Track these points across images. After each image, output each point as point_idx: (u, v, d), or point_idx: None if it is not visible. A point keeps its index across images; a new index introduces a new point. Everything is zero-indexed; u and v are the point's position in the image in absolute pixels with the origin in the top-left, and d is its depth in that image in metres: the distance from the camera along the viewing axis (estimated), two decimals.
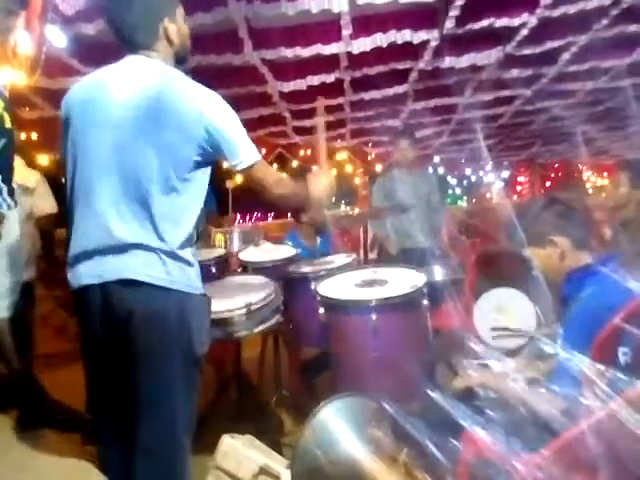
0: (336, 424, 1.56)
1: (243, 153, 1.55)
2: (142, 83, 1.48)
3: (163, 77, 1.50)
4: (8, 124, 2.42)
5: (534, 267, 1.75)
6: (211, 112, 1.48)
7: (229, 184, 7.33)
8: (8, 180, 2.41)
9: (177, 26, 1.58)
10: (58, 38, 2.86)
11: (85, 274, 1.48)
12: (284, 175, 1.94)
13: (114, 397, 1.57)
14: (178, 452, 1.52)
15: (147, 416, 1.49)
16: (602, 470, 0.87)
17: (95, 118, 1.49)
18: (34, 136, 4.72)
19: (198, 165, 1.51)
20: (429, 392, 1.38)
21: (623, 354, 1.41)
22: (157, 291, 1.45)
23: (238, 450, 1.83)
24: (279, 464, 1.81)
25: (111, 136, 1.47)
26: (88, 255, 1.47)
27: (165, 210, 1.46)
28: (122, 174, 1.46)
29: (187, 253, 1.52)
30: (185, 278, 1.51)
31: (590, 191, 10.80)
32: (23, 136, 4.57)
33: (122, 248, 1.44)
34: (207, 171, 1.59)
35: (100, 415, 1.64)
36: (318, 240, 3.85)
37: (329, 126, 5.79)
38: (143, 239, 1.45)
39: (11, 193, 2.43)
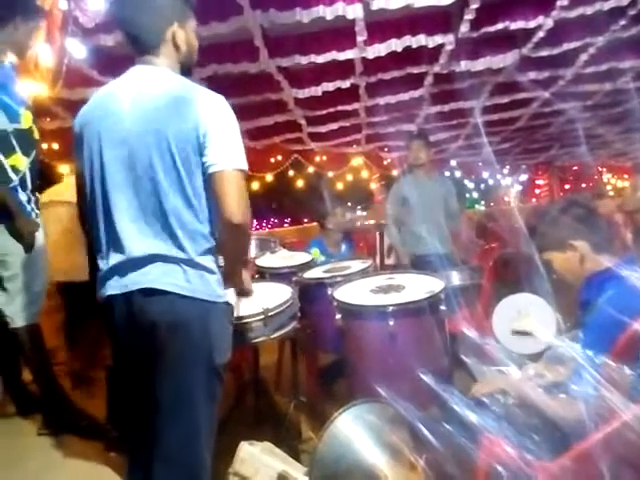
0: (354, 430, 1.56)
1: (224, 156, 1.45)
2: (147, 95, 1.49)
3: (167, 86, 1.50)
4: (36, 136, 2.49)
5: (551, 272, 1.73)
6: (208, 115, 1.46)
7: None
8: (35, 190, 2.48)
9: (186, 34, 1.58)
10: (78, 50, 2.92)
11: (110, 286, 1.51)
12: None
13: (140, 406, 1.59)
14: (200, 463, 1.52)
15: (169, 426, 1.49)
16: (618, 478, 0.86)
17: (106, 135, 1.51)
18: (55, 146, 4.81)
19: (205, 171, 1.49)
20: (447, 398, 1.37)
21: None
22: (178, 299, 1.46)
23: (256, 457, 1.83)
24: (297, 471, 1.81)
25: (122, 152, 1.49)
26: (113, 271, 1.51)
27: (182, 220, 1.47)
28: (137, 189, 1.48)
29: (208, 261, 1.52)
30: (206, 286, 1.50)
31: (611, 193, 10.63)
32: (45, 146, 4.66)
33: (143, 260, 1.47)
34: None
35: (127, 424, 1.66)
36: (343, 247, 3.90)
37: (344, 131, 5.81)
38: (163, 250, 1.47)
39: (37, 202, 2.50)
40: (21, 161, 2.32)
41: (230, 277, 1.64)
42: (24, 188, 2.36)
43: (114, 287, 1.50)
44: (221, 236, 1.54)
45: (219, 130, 1.46)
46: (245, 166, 1.49)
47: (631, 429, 0.92)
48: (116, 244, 1.50)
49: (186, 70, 1.63)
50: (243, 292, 1.87)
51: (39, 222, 2.45)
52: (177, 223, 1.47)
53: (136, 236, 1.48)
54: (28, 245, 2.37)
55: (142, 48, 1.57)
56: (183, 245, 1.47)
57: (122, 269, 1.49)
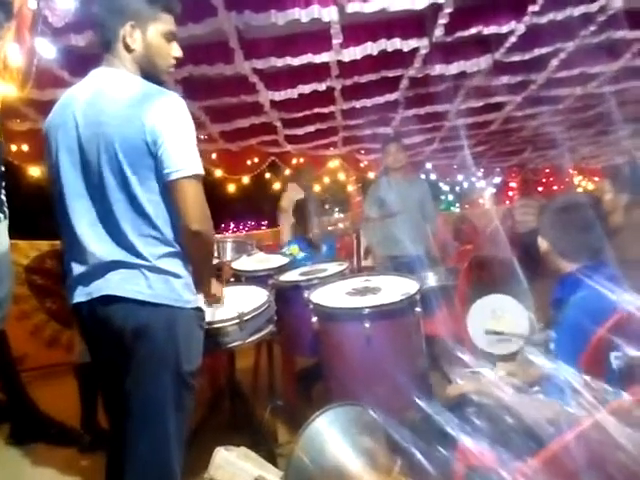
0: (330, 435, 1.55)
1: (177, 163, 1.41)
2: (99, 99, 1.47)
3: (120, 89, 1.48)
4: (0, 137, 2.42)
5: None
6: (160, 119, 1.42)
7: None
8: None
9: (143, 36, 1.53)
10: (48, 50, 2.86)
11: (76, 294, 1.50)
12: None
13: (113, 410, 1.60)
14: (168, 470, 1.49)
15: (137, 431, 1.48)
16: (591, 477, 0.87)
17: (63, 142, 1.49)
18: (25, 148, 4.70)
19: (160, 179, 1.45)
20: (419, 402, 1.38)
21: (615, 358, 1.42)
22: (140, 306, 1.44)
23: (232, 462, 1.81)
24: (274, 475, 1.80)
25: (75, 158, 1.48)
26: (80, 277, 1.49)
27: (135, 227, 1.45)
28: (91, 195, 1.47)
29: (171, 265, 1.49)
30: (171, 291, 1.47)
31: None
32: (14, 148, 4.55)
33: (104, 267, 1.45)
34: None
35: (112, 424, 1.65)
36: (324, 247, 3.89)
37: (321, 134, 5.81)
38: (122, 257, 1.45)
39: (0, 205, 2.42)
40: None
41: (198, 284, 1.62)
42: None
43: (79, 295, 1.49)
44: (183, 243, 1.52)
45: (172, 135, 1.42)
46: (200, 170, 1.46)
47: (594, 433, 0.94)
48: (78, 251, 1.48)
49: (152, 75, 1.57)
50: (213, 300, 1.83)
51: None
52: (131, 230, 1.44)
53: (95, 243, 1.46)
54: None
55: (103, 46, 1.55)
56: (140, 251, 1.45)
57: (86, 277, 1.48)
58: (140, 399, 1.47)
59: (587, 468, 0.86)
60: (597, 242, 1.67)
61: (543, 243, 1.76)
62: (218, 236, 5.83)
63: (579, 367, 1.35)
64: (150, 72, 1.57)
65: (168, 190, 1.44)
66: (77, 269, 1.49)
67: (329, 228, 4.20)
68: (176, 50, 1.61)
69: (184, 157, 1.43)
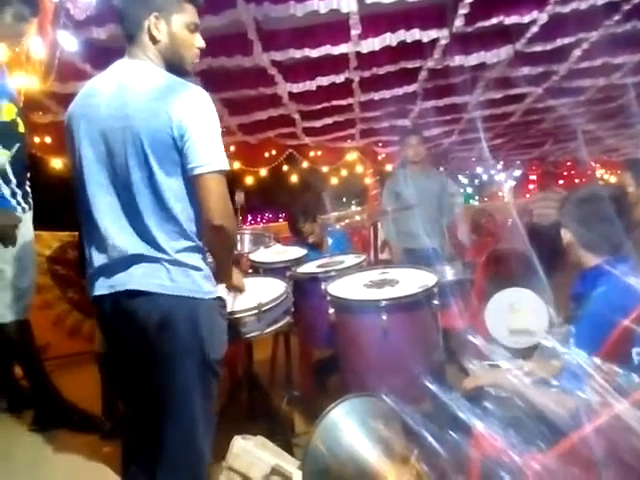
0: (346, 425, 1.56)
1: (203, 158, 1.43)
2: (125, 91, 1.47)
3: (145, 81, 1.47)
4: (22, 129, 2.46)
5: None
6: (186, 113, 1.42)
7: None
8: (22, 184, 2.45)
9: (169, 27, 1.53)
10: (70, 43, 2.89)
11: (97, 286, 1.52)
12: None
13: (137, 405, 1.62)
14: (199, 459, 1.53)
15: (166, 424, 1.50)
16: (607, 470, 0.87)
17: (87, 133, 1.49)
18: (48, 140, 4.77)
19: (185, 173, 1.47)
20: (438, 392, 1.38)
21: (637, 354, 1.40)
22: (163, 299, 1.46)
23: (250, 451, 1.84)
24: (290, 465, 1.82)
25: (100, 149, 1.48)
26: (101, 270, 1.51)
27: (158, 220, 1.46)
28: (115, 187, 1.48)
29: (191, 258, 1.51)
30: (192, 283, 1.49)
31: None
32: (37, 140, 4.63)
33: (127, 260, 1.47)
34: None
35: (130, 417, 1.67)
36: (330, 240, 3.84)
37: (339, 126, 5.79)
38: (144, 250, 1.46)
39: (25, 196, 2.47)
40: (0, 154, 2.29)
41: (220, 276, 1.65)
42: (6, 182, 2.33)
43: (101, 287, 1.50)
44: (205, 237, 1.54)
45: (198, 129, 1.43)
46: (226, 166, 1.47)
47: (615, 424, 0.93)
48: (100, 243, 1.50)
49: (176, 66, 1.57)
50: (234, 289, 1.87)
51: (22, 217, 2.42)
52: (154, 223, 1.46)
53: (118, 235, 1.47)
54: (7, 239, 2.34)
55: (127, 38, 1.55)
56: (161, 245, 1.46)
57: (107, 269, 1.49)
58: (168, 389, 1.49)
59: (607, 459, 0.85)
60: (621, 235, 1.64)
61: (567, 234, 1.72)
62: None
63: None
64: (175, 63, 1.57)
65: (193, 185, 1.46)
66: (99, 260, 1.50)
67: (346, 221, 4.16)
68: (199, 41, 1.62)
69: (210, 152, 1.44)
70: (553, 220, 5.44)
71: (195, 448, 1.52)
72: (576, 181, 11.59)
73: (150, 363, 1.50)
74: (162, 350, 1.47)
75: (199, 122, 1.43)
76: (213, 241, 1.53)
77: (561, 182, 11.61)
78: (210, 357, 1.52)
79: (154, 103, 1.43)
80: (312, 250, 3.49)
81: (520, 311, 2.86)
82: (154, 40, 1.53)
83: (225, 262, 1.68)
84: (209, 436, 1.56)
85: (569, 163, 11.58)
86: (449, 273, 3.13)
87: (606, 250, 1.64)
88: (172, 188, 1.46)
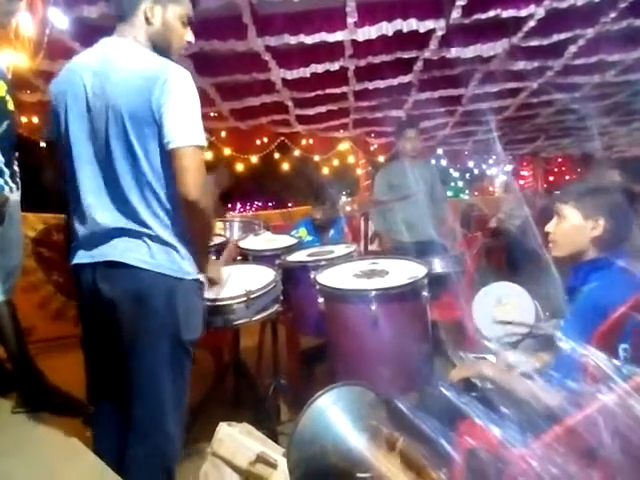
0: (333, 412, 1.56)
1: (179, 132, 1.44)
2: (108, 68, 1.49)
3: (129, 60, 1.49)
4: (11, 107, 2.41)
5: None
6: (166, 90, 1.43)
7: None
8: (10, 163, 2.40)
9: (163, 13, 1.56)
10: (61, 20, 2.84)
11: (79, 255, 1.54)
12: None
13: (108, 379, 1.62)
14: (166, 437, 1.54)
15: (135, 398, 1.52)
16: (601, 457, 0.87)
17: (73, 109, 1.51)
18: (35, 120, 4.69)
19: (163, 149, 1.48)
20: (427, 380, 1.38)
21: (623, 350, 1.41)
22: (143, 273, 1.48)
23: (235, 438, 1.83)
24: (275, 452, 1.82)
25: (84, 125, 1.50)
26: (84, 241, 1.53)
27: (140, 196, 1.48)
28: (98, 163, 1.50)
29: (174, 239, 1.53)
30: (172, 262, 1.52)
31: None
32: (24, 120, 4.54)
33: (109, 233, 1.49)
34: None
35: (97, 397, 1.67)
36: (331, 231, 3.90)
37: (332, 115, 5.76)
38: (126, 224, 1.48)
39: (13, 176, 2.42)
40: None
41: (197, 260, 1.62)
42: None
43: (82, 257, 1.53)
44: (184, 217, 1.54)
45: (174, 105, 1.44)
46: (202, 141, 1.48)
47: (612, 410, 0.94)
48: (83, 216, 1.52)
49: (162, 51, 1.58)
50: (211, 281, 1.85)
51: (9, 196, 2.38)
52: (136, 199, 1.48)
53: (100, 209, 1.49)
54: None
55: (118, 16, 1.57)
56: (144, 220, 1.48)
57: (89, 241, 1.52)
58: (138, 365, 1.51)
59: (601, 445, 0.86)
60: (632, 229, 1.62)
61: (596, 223, 1.58)
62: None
63: None
64: (162, 48, 1.59)
65: (170, 159, 1.47)
66: (82, 232, 1.53)
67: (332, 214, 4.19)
68: (189, 35, 1.65)
69: (185, 127, 1.45)
70: (519, 224, 5.53)
71: (161, 424, 1.53)
72: (567, 178, 11.67)
73: (123, 337, 1.51)
74: (136, 324, 1.49)
75: (176, 99, 1.44)
76: (188, 218, 1.53)
77: (551, 178, 11.69)
78: (184, 337, 1.53)
79: (135, 81, 1.44)
80: (315, 231, 3.61)
81: (507, 305, 2.87)
82: (148, 21, 1.55)
83: (199, 243, 1.64)
84: (179, 417, 1.57)
85: (560, 160, 11.65)
86: (439, 265, 3.13)
87: (614, 244, 1.61)
88: (153, 166, 1.47)
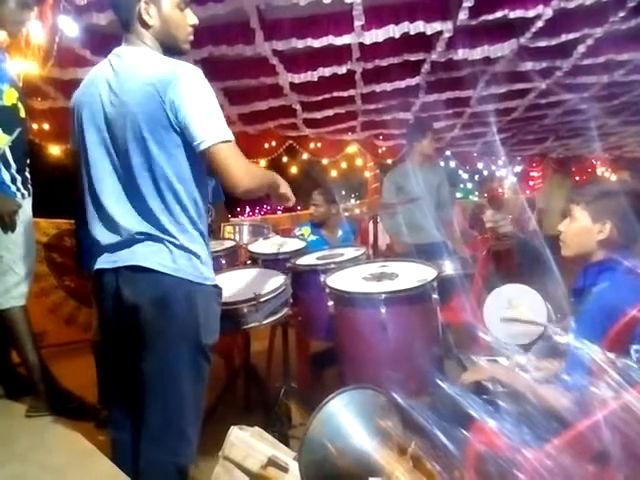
0: (344, 416, 1.56)
1: (206, 131, 1.43)
2: (122, 77, 1.50)
3: (141, 67, 1.50)
4: (22, 114, 2.44)
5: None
6: (182, 92, 1.42)
7: None
8: (22, 170, 2.43)
9: (158, 9, 1.54)
10: (70, 28, 2.87)
11: (101, 260, 1.56)
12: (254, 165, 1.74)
13: (125, 382, 1.61)
14: (183, 441, 1.54)
15: (153, 402, 1.52)
16: (613, 460, 0.86)
17: (89, 120, 1.54)
18: (46, 126, 4.74)
19: (189, 156, 1.49)
20: (439, 382, 1.37)
21: (635, 351, 1.40)
22: (164, 278, 1.49)
23: (246, 441, 1.83)
24: (287, 456, 1.81)
25: (102, 136, 1.52)
26: (105, 247, 1.55)
27: (164, 204, 1.49)
28: (117, 172, 1.52)
29: (195, 246, 1.55)
30: (193, 268, 1.53)
31: None
32: (35, 126, 4.59)
33: (132, 239, 1.50)
34: (202, 167, 1.56)
35: (113, 400, 1.68)
36: (339, 232, 3.89)
37: (340, 118, 5.76)
38: (148, 229, 1.50)
39: (25, 182, 2.45)
40: (1, 139, 2.27)
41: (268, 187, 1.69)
42: (7, 167, 2.32)
43: (103, 262, 1.54)
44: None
45: (191, 106, 1.43)
46: (230, 136, 1.47)
47: (622, 413, 0.93)
48: (105, 223, 1.53)
49: (172, 47, 1.59)
50: (284, 198, 1.87)
51: (22, 202, 2.41)
52: (157, 207, 1.48)
53: (122, 216, 1.50)
54: (6, 225, 2.33)
55: (122, 26, 1.58)
56: (165, 227, 1.49)
57: (111, 247, 1.53)
58: (158, 369, 1.51)
59: (612, 449, 0.85)
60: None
61: (603, 226, 1.60)
62: (234, 219, 5.86)
63: None
64: (170, 45, 1.60)
65: (207, 159, 1.47)
66: (103, 238, 1.54)
67: (346, 214, 4.19)
68: (192, 18, 1.62)
69: (210, 125, 1.44)
70: (507, 231, 5.50)
71: (179, 428, 1.53)
72: (577, 178, 11.57)
73: (143, 341, 1.51)
74: (158, 328, 1.49)
75: (192, 98, 1.44)
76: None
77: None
78: (204, 341, 1.54)
79: (147, 87, 1.44)
80: (318, 230, 3.61)
81: (518, 307, 2.85)
82: (146, 25, 1.55)
83: (266, 189, 1.68)
84: (196, 420, 1.58)
85: (595, 161, 11.55)
86: (449, 267, 3.12)
87: (622, 246, 1.60)
88: (174, 171, 1.48)
